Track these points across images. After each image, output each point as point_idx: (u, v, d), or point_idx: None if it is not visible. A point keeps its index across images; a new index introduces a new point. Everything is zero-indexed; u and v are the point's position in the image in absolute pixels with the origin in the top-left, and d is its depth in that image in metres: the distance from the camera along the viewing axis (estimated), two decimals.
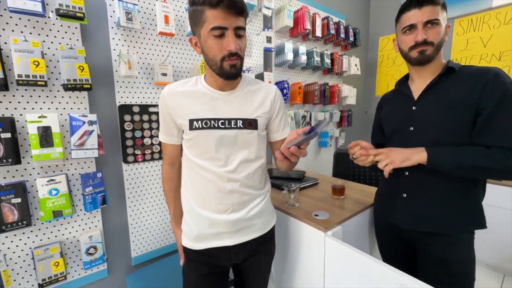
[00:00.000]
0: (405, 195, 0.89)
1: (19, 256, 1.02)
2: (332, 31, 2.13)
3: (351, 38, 2.37)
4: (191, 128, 0.76)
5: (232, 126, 0.77)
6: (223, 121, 0.76)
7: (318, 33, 2.04)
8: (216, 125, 0.75)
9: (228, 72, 0.71)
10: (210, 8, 0.65)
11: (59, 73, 1.04)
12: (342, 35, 2.24)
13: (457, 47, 2.23)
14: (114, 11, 1.17)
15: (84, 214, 1.17)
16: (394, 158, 0.80)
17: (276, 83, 1.94)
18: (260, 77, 1.74)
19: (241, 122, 0.77)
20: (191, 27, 0.73)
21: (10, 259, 1.01)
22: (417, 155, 0.77)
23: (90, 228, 1.19)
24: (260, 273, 0.90)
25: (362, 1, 2.83)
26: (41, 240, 1.07)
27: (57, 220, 1.09)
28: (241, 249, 0.82)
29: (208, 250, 0.80)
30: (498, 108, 0.71)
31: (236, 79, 0.76)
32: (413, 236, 0.89)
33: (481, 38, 2.10)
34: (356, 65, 2.45)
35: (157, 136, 1.32)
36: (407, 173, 0.87)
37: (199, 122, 0.75)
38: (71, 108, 1.10)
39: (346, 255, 0.85)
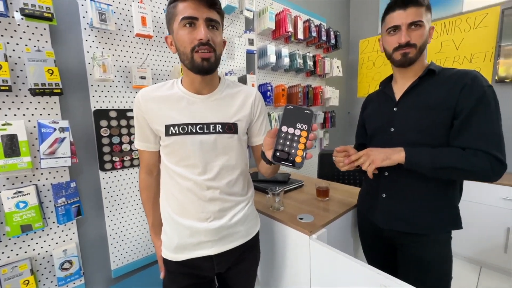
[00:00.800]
0: (384, 195, 0.90)
1: None
2: (314, 34, 2.16)
3: (333, 41, 2.41)
4: (168, 134, 0.72)
5: (211, 130, 0.74)
6: (201, 125, 0.73)
7: (300, 35, 2.05)
8: (194, 130, 0.72)
9: (200, 66, 0.67)
10: (182, 1, 0.65)
11: (26, 77, 0.97)
12: (324, 38, 2.28)
13: (431, 50, 2.33)
14: (86, 12, 1.11)
15: (58, 226, 1.09)
16: (374, 158, 0.80)
17: (260, 86, 1.93)
18: (243, 79, 1.72)
19: (220, 126, 0.74)
20: (167, 27, 0.71)
21: None
22: (396, 155, 0.78)
23: (64, 241, 1.12)
24: (246, 281, 0.88)
25: (342, 4, 2.89)
26: (8, 257, 0.99)
27: (27, 234, 1.01)
28: (224, 258, 0.79)
29: (190, 261, 0.77)
30: (474, 110, 0.72)
31: (210, 74, 0.72)
32: (393, 236, 0.90)
33: (454, 41, 2.20)
34: (338, 67, 2.49)
35: None
36: (386, 173, 0.89)
37: (176, 127, 0.72)
38: (41, 114, 1.03)
39: (331, 258, 0.85)
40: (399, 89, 0.90)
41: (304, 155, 0.55)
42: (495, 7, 1.98)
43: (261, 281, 1.19)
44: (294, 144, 0.55)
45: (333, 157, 0.95)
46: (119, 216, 1.27)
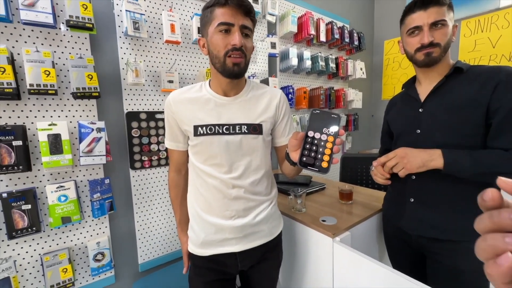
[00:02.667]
0: (412, 200, 0.87)
1: (28, 263, 1.04)
2: (337, 36, 2.13)
3: (356, 42, 2.36)
4: (196, 134, 0.76)
5: (237, 131, 0.76)
6: (227, 126, 0.76)
7: (323, 38, 2.04)
8: (220, 131, 0.75)
9: (230, 70, 0.70)
10: (219, 7, 0.68)
11: (69, 82, 1.07)
12: (347, 40, 2.24)
13: (464, 49, 2.19)
14: (122, 21, 1.20)
15: (92, 220, 1.18)
16: (410, 164, 0.76)
17: (281, 88, 1.94)
18: (265, 82, 1.74)
19: (245, 127, 0.77)
20: (201, 29, 0.75)
21: (20, 265, 1.02)
22: (434, 162, 0.74)
23: (98, 234, 1.20)
24: (267, 281, 0.89)
25: (366, 5, 2.83)
26: (50, 246, 1.08)
27: (66, 226, 1.10)
28: (248, 255, 0.81)
29: (215, 257, 0.79)
30: None
31: (238, 78, 0.75)
32: (421, 243, 0.86)
33: (490, 39, 2.06)
34: (361, 69, 2.43)
35: (164, 143, 1.34)
36: (414, 177, 0.85)
37: (204, 128, 0.75)
38: (80, 116, 1.12)
39: (355, 261, 0.83)
40: (423, 90, 0.87)
41: (330, 161, 0.54)
42: None
43: (282, 282, 1.18)
44: (321, 149, 0.55)
45: (371, 169, 0.92)
46: (146, 213, 1.34)
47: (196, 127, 0.76)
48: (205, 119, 0.76)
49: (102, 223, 1.21)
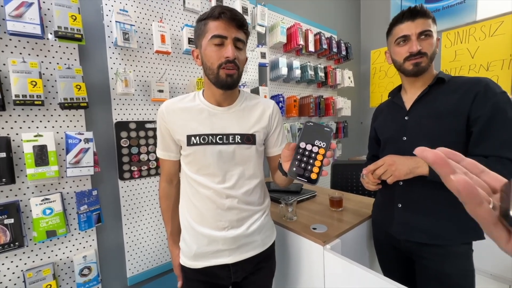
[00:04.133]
0: (400, 205, 0.89)
1: (10, 280, 0.99)
2: (325, 46, 2.19)
3: (344, 52, 2.44)
4: (189, 144, 0.76)
5: (230, 141, 0.77)
6: (221, 136, 0.76)
7: (311, 48, 2.10)
8: (214, 141, 0.76)
9: (223, 81, 0.71)
10: (213, 20, 0.69)
11: (56, 92, 1.06)
12: (335, 50, 2.31)
13: (446, 59, 2.30)
14: (111, 32, 1.20)
15: (79, 233, 1.14)
16: (398, 173, 0.79)
17: (272, 97, 1.97)
18: (255, 91, 1.77)
19: (239, 137, 0.78)
20: (195, 41, 0.76)
21: (0, 282, 0.97)
22: (420, 169, 0.77)
23: (84, 247, 1.16)
24: None
25: (352, 17, 2.94)
26: (33, 261, 1.04)
27: (51, 240, 1.07)
28: (241, 266, 0.80)
29: (207, 269, 0.79)
30: (492, 118, 0.72)
31: (231, 89, 0.76)
32: (410, 247, 0.87)
33: (468, 49, 2.17)
34: (349, 78, 2.50)
35: (154, 152, 1.32)
36: (401, 183, 0.88)
37: (197, 137, 0.76)
38: (68, 126, 1.11)
39: (345, 269, 0.83)
40: (409, 99, 0.90)
41: (319, 172, 0.55)
42: (510, 15, 1.95)
43: None
44: (311, 161, 0.56)
45: (362, 177, 0.94)
46: (135, 224, 1.31)
47: (189, 137, 0.76)
48: (198, 129, 0.76)
49: (89, 236, 1.17)
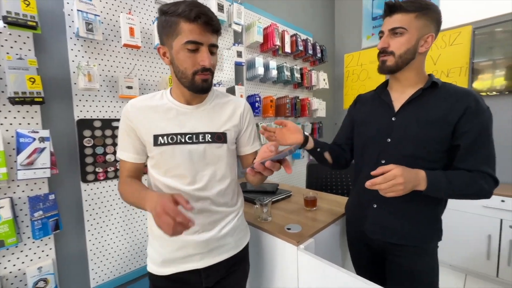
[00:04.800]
0: (375, 206, 0.90)
1: None
2: (301, 48, 2.23)
3: (319, 55, 2.50)
4: (156, 144, 0.71)
5: (200, 140, 0.74)
6: (190, 135, 0.73)
7: (288, 49, 2.12)
8: (183, 140, 0.72)
9: (199, 86, 0.69)
10: (187, 21, 0.64)
11: (6, 86, 0.94)
12: (310, 52, 2.36)
13: None
14: (73, 21, 1.10)
15: (33, 242, 1.03)
16: (402, 192, 0.70)
17: (248, 97, 1.95)
18: (231, 90, 1.74)
19: (209, 136, 0.75)
20: (161, 36, 0.70)
21: None
22: (419, 187, 0.72)
23: (39, 258, 1.05)
24: None
25: (327, 21, 3.02)
26: None
27: None
28: (213, 271, 0.78)
29: (177, 275, 0.75)
30: (479, 135, 0.74)
31: (206, 93, 0.74)
32: (382, 246, 0.90)
33: (431, 56, 2.33)
34: (324, 80, 2.57)
35: None
36: None
37: (165, 137, 0.71)
38: (20, 124, 0.99)
39: (318, 268, 0.84)
40: (397, 98, 0.87)
41: None
42: (467, 26, 2.13)
43: None
44: None
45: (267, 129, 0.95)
46: (100, 230, 1.21)
47: (156, 137, 0.72)
48: (166, 128, 0.72)
49: (46, 244, 1.06)
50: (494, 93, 2.02)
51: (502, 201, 1.76)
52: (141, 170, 0.79)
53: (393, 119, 0.85)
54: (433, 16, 0.77)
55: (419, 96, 0.82)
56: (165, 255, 0.74)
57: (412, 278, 0.84)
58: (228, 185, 0.79)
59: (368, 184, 0.70)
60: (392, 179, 0.68)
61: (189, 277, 0.76)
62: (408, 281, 0.85)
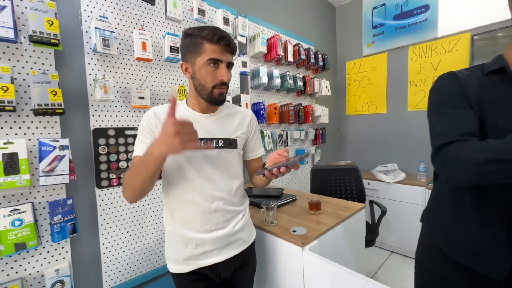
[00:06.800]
0: None
1: None
2: (303, 57, 2.30)
3: (321, 63, 2.56)
4: None
5: (214, 145, 0.82)
6: (205, 140, 0.81)
7: (290, 58, 2.19)
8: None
9: (216, 99, 0.79)
10: (210, 43, 0.75)
11: (29, 98, 1.02)
12: (312, 60, 2.43)
13: (412, 71, 2.50)
14: (90, 38, 1.19)
15: (51, 245, 1.09)
16: None
17: (253, 105, 2.02)
18: (237, 99, 1.80)
19: (222, 141, 0.83)
20: (185, 54, 0.80)
21: None
22: None
23: (57, 260, 1.10)
24: (246, 284, 0.94)
25: (329, 30, 3.10)
26: None
27: (19, 254, 1.00)
28: (229, 264, 0.85)
29: (198, 270, 0.82)
30: None
31: (222, 104, 0.84)
32: None
33: (431, 63, 2.38)
34: (326, 87, 2.63)
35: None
36: None
37: None
38: (41, 133, 1.06)
39: (323, 268, 0.88)
40: None
41: None
42: (466, 33, 2.18)
43: None
44: None
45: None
46: (113, 233, 1.27)
47: None
48: None
49: (63, 247, 1.12)
50: None
51: None
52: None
53: None
54: None
55: None
56: (186, 254, 0.81)
57: None
58: (239, 187, 0.88)
59: None
60: None
61: (208, 271, 0.83)
62: None
